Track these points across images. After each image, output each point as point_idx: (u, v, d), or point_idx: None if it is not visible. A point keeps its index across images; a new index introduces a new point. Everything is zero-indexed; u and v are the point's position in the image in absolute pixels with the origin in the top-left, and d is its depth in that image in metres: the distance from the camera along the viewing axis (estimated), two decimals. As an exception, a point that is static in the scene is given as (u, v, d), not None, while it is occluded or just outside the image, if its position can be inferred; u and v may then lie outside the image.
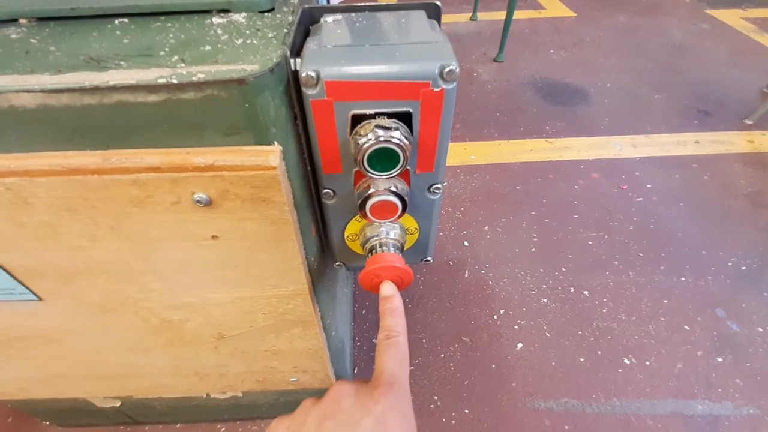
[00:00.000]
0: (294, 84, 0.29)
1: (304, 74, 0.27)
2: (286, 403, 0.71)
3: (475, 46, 1.88)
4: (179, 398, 0.68)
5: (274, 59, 0.26)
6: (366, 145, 0.28)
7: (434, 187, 0.35)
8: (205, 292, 0.40)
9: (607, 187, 1.23)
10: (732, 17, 2.14)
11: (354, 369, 0.87)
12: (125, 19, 0.32)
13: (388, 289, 0.34)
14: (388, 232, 0.37)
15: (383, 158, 0.29)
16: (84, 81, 0.25)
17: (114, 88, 0.25)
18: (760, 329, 0.91)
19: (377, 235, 0.37)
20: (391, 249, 0.36)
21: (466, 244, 1.10)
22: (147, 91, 0.25)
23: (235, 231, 0.33)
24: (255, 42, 0.28)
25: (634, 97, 1.59)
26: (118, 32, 0.31)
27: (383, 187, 0.33)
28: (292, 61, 0.29)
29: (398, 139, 0.28)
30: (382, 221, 0.35)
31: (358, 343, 0.92)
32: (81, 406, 0.72)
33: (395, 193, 0.33)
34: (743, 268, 1.02)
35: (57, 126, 0.28)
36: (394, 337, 0.29)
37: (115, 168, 0.28)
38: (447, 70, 0.27)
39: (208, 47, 0.28)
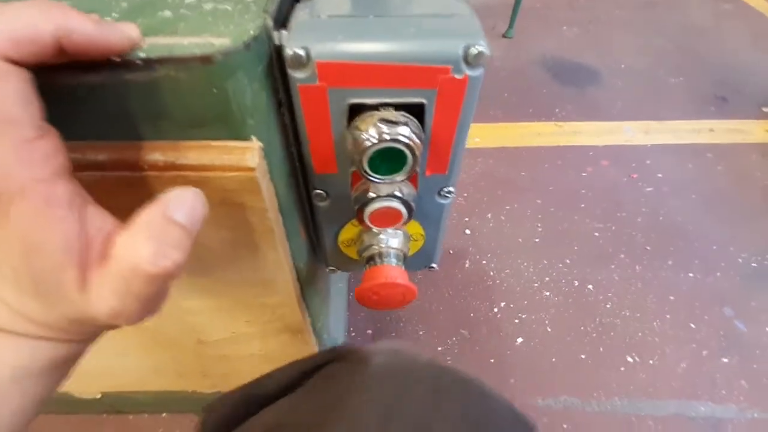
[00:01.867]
0: (278, 63, 0.23)
1: (290, 52, 0.21)
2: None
3: (484, 19, 1.73)
4: (163, 391, 0.65)
5: (251, 31, 0.20)
6: (367, 143, 0.23)
7: (446, 190, 0.30)
8: (178, 299, 0.35)
9: (616, 176, 1.18)
10: (755, -3, 2.03)
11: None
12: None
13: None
14: (389, 239, 0.32)
15: (387, 159, 0.24)
16: (1, 53, 0.19)
17: (39, 64, 0.19)
18: (769, 330, 0.88)
19: (376, 244, 0.32)
20: (393, 260, 0.31)
21: (467, 232, 1.06)
22: (83, 68, 0.19)
23: (206, 239, 0.28)
24: (228, 7, 0.22)
25: (649, 79, 1.51)
26: (58, -11, 0.24)
27: (385, 191, 0.27)
28: (275, 34, 0.22)
29: (407, 136, 0.23)
30: (384, 229, 0.30)
31: (353, 333, 0.88)
32: (60, 397, 0.68)
33: (400, 199, 0.27)
34: (754, 265, 0.99)
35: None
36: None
37: (52, 164, 0.22)
38: (474, 52, 0.21)
39: (167, 13, 0.22)
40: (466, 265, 1.00)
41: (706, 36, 1.74)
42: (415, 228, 0.33)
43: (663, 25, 1.80)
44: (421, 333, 0.89)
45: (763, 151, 1.25)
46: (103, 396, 0.68)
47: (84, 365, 0.50)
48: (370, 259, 0.32)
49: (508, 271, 0.98)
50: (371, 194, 0.27)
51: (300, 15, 0.23)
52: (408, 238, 0.33)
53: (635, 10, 1.91)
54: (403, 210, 0.28)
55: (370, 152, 0.23)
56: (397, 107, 0.23)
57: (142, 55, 0.19)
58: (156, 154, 0.22)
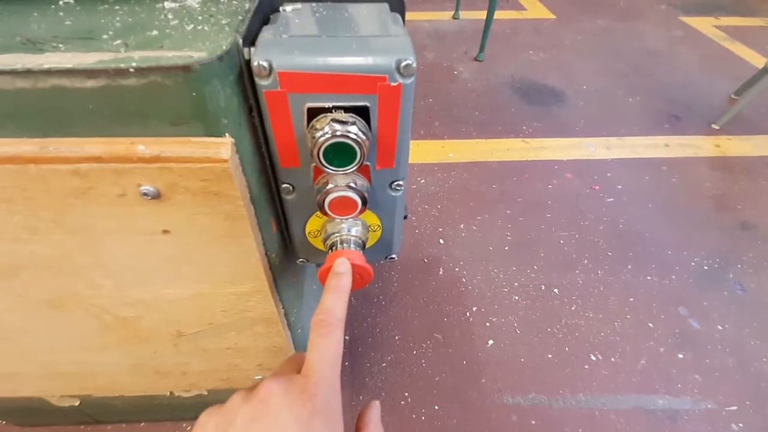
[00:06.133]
0: (248, 74, 0.28)
1: (255, 64, 0.26)
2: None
3: (457, 44, 1.88)
4: (141, 396, 0.66)
5: (224, 47, 0.25)
6: (322, 139, 0.27)
7: (396, 183, 0.35)
8: (159, 288, 0.38)
9: (579, 188, 1.25)
10: (704, 25, 2.21)
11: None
12: (71, 0, 0.31)
13: (342, 266, 0.32)
14: (350, 228, 0.36)
15: (340, 153, 0.28)
16: (16, 63, 0.24)
17: (48, 72, 0.24)
18: (719, 327, 0.94)
19: (338, 232, 0.36)
20: (353, 246, 0.36)
21: (441, 241, 1.11)
22: (85, 76, 0.24)
23: (187, 226, 0.32)
24: (206, 28, 0.27)
25: (609, 99, 1.63)
26: (61, 13, 0.29)
27: (342, 182, 0.32)
28: (245, 50, 0.27)
29: (355, 133, 0.28)
30: (343, 218, 0.35)
31: (331, 340, 0.91)
32: (37, 405, 0.69)
33: (354, 189, 0.32)
34: (705, 267, 1.06)
35: (-12, 111, 0.26)
36: (328, 326, 0.27)
37: (53, 157, 0.26)
38: (404, 64, 0.26)
39: (155, 32, 0.27)
40: (440, 273, 1.04)
41: (660, 59, 1.89)
42: (372, 219, 0.38)
43: (620, 50, 1.95)
44: (397, 338, 0.92)
45: (713, 164, 1.35)
46: (81, 403, 0.69)
47: (61, 363, 0.52)
48: (333, 246, 0.36)
49: (479, 277, 1.03)
50: (330, 185, 0.32)
51: (265, 35, 0.28)
52: (366, 228, 0.38)
53: (595, 36, 2.06)
54: (358, 199, 0.32)
55: (325, 146, 0.28)
56: (347, 110, 0.28)
57: (134, 64, 0.23)
58: (144, 147, 0.26)
